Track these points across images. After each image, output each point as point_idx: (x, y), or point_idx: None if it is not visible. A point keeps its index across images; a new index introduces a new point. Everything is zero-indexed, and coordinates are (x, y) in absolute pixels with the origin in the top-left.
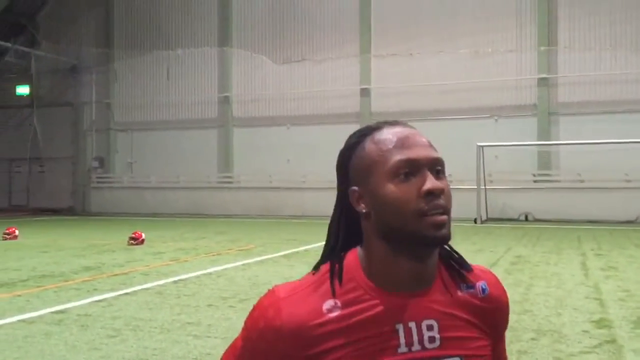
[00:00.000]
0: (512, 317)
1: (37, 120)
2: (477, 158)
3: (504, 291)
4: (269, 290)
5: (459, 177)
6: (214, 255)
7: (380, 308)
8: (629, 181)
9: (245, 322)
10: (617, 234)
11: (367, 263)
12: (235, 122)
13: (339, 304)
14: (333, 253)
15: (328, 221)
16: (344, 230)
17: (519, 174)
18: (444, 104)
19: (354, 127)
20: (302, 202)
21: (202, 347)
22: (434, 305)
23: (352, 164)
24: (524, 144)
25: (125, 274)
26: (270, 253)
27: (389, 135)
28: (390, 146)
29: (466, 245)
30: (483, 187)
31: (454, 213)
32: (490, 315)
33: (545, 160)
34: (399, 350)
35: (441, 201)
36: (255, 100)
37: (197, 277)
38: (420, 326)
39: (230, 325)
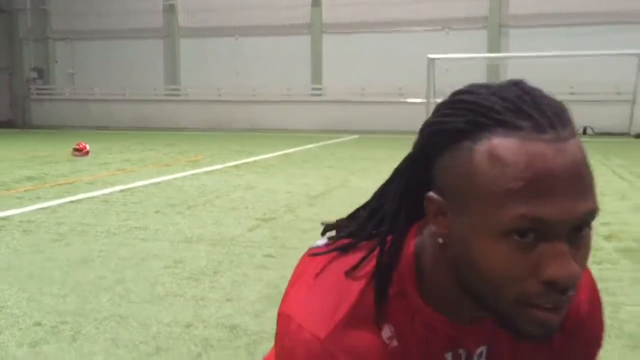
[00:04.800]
0: None
1: None
2: (427, 71)
3: (600, 324)
4: (291, 328)
5: (410, 90)
6: (161, 166)
7: (430, 338)
8: (572, 94)
9: None
10: None
11: (424, 274)
12: (182, 32)
13: (392, 329)
14: (385, 242)
15: (280, 134)
16: (405, 212)
17: None
18: (396, 15)
19: (304, 39)
20: (252, 115)
21: (149, 249)
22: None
23: (445, 162)
24: (474, 56)
25: (70, 183)
26: (219, 164)
27: (520, 157)
28: (516, 183)
29: None
30: (433, 100)
31: (405, 127)
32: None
33: (494, 73)
34: None
35: (565, 297)
36: (202, 9)
37: (145, 186)
38: (473, 355)
39: (178, 229)
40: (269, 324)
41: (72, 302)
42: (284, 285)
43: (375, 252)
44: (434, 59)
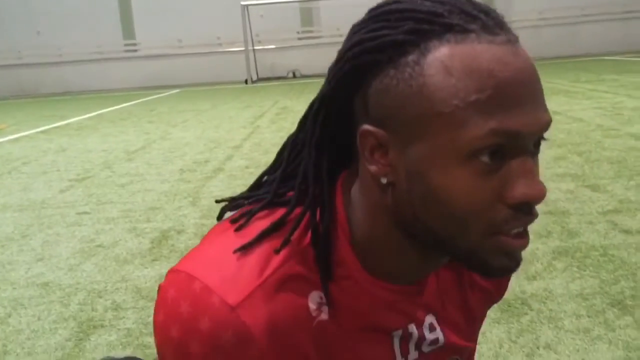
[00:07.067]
0: (270, 158)
1: None
2: (242, 18)
3: None
4: (193, 289)
5: (228, 39)
6: None
7: (372, 314)
8: None
9: None
10: None
11: (358, 235)
12: None
13: (324, 299)
14: (310, 194)
15: (94, 95)
16: (326, 156)
17: (285, 32)
18: None
19: None
20: (62, 77)
21: None
22: (433, 296)
23: (381, 85)
24: (286, 0)
25: None
26: (26, 130)
27: (482, 63)
28: (482, 94)
29: (235, 103)
30: (251, 47)
31: (226, 77)
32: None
33: (307, 17)
34: None
35: (533, 217)
36: None
37: None
38: (422, 328)
39: None
40: (84, 275)
41: None
42: (99, 239)
43: (292, 217)
44: (247, 5)
